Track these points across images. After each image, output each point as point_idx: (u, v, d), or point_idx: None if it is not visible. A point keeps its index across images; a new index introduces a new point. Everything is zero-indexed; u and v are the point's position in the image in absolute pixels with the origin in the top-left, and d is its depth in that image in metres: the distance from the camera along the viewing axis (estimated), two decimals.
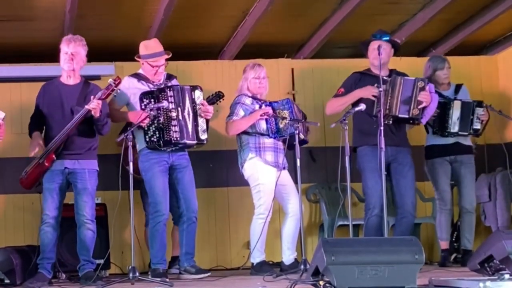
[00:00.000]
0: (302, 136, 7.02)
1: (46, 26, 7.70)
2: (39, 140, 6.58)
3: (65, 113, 6.55)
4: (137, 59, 6.95)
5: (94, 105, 6.34)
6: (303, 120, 7.07)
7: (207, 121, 6.93)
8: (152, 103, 6.65)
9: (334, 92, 7.34)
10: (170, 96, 6.68)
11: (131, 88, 6.87)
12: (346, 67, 8.43)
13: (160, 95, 6.68)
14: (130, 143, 6.37)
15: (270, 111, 7.11)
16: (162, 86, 6.84)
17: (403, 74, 7.28)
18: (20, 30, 7.79)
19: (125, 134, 6.38)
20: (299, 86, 8.75)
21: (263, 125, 7.16)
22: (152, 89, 6.80)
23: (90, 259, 6.66)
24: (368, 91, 6.99)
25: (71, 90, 6.62)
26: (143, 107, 6.67)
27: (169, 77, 7.04)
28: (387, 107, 6.88)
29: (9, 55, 8.19)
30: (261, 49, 8.42)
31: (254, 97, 7.23)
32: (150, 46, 6.94)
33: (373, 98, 6.94)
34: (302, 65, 8.84)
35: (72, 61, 6.58)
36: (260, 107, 7.18)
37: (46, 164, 6.50)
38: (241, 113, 7.18)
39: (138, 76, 6.93)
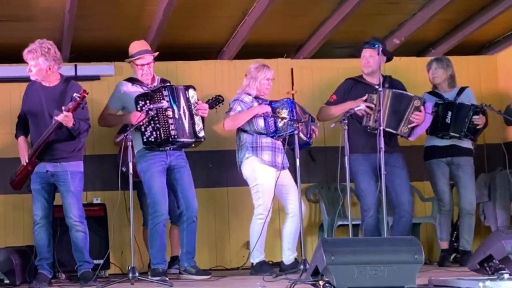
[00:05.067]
0: (302, 137, 7.01)
1: (46, 26, 7.70)
2: (25, 148, 6.64)
3: (45, 117, 6.57)
4: (126, 61, 7.01)
5: (62, 118, 6.37)
6: (302, 120, 7.05)
7: (203, 119, 6.94)
8: (148, 104, 6.66)
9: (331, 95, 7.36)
10: (166, 96, 6.73)
11: (126, 92, 6.91)
12: (345, 67, 8.44)
13: (156, 96, 6.70)
14: (129, 143, 6.37)
15: (269, 110, 7.11)
16: (156, 87, 6.86)
17: (398, 82, 7.27)
18: (19, 30, 7.79)
19: (125, 134, 6.39)
20: (298, 86, 8.75)
21: (261, 124, 7.14)
22: (147, 91, 6.82)
23: (86, 259, 6.67)
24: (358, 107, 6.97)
25: (50, 92, 6.63)
26: (138, 109, 6.69)
27: (164, 81, 7.07)
28: (375, 120, 6.88)
29: (9, 55, 8.18)
30: (260, 49, 8.42)
31: (257, 97, 7.22)
32: (135, 46, 7.01)
33: (363, 114, 6.96)
34: (302, 65, 8.84)
35: (31, 72, 6.63)
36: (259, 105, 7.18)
37: (29, 168, 6.59)
38: (239, 109, 7.18)
39: (132, 80, 6.98)
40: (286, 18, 8.04)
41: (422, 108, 7.06)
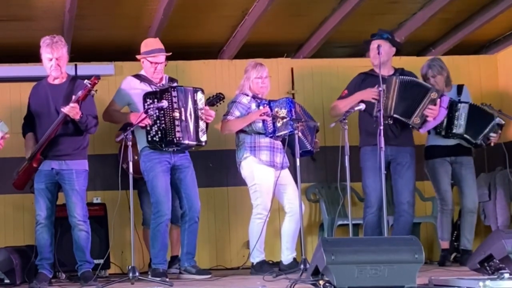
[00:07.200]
0: (303, 139, 7.00)
1: (46, 26, 7.70)
2: (32, 142, 6.62)
3: (51, 113, 6.54)
4: (137, 57, 6.96)
5: (68, 110, 6.33)
6: (301, 120, 7.04)
7: (207, 124, 6.93)
8: (155, 103, 6.64)
9: (334, 91, 7.35)
10: (174, 97, 6.68)
11: (133, 88, 6.87)
12: (345, 66, 8.46)
13: (164, 96, 6.67)
14: (129, 143, 6.36)
15: (268, 110, 7.10)
16: (165, 87, 6.83)
17: (411, 74, 7.26)
18: (19, 30, 7.79)
19: (125, 134, 6.37)
20: (298, 85, 8.75)
21: (259, 124, 7.14)
22: (155, 89, 6.79)
23: (87, 259, 6.65)
24: (367, 94, 6.99)
25: (58, 90, 6.60)
26: (146, 106, 6.65)
27: (171, 80, 7.05)
28: (383, 107, 6.87)
29: (9, 55, 8.19)
30: (260, 48, 8.42)
31: (254, 96, 7.22)
32: (149, 43, 6.97)
33: (374, 101, 6.94)
34: (302, 64, 8.84)
35: (59, 66, 6.58)
36: (258, 106, 7.16)
37: (34, 165, 6.53)
38: (237, 113, 7.18)
39: (140, 77, 6.93)
40: (286, 18, 8.04)
41: (438, 101, 7.02)
